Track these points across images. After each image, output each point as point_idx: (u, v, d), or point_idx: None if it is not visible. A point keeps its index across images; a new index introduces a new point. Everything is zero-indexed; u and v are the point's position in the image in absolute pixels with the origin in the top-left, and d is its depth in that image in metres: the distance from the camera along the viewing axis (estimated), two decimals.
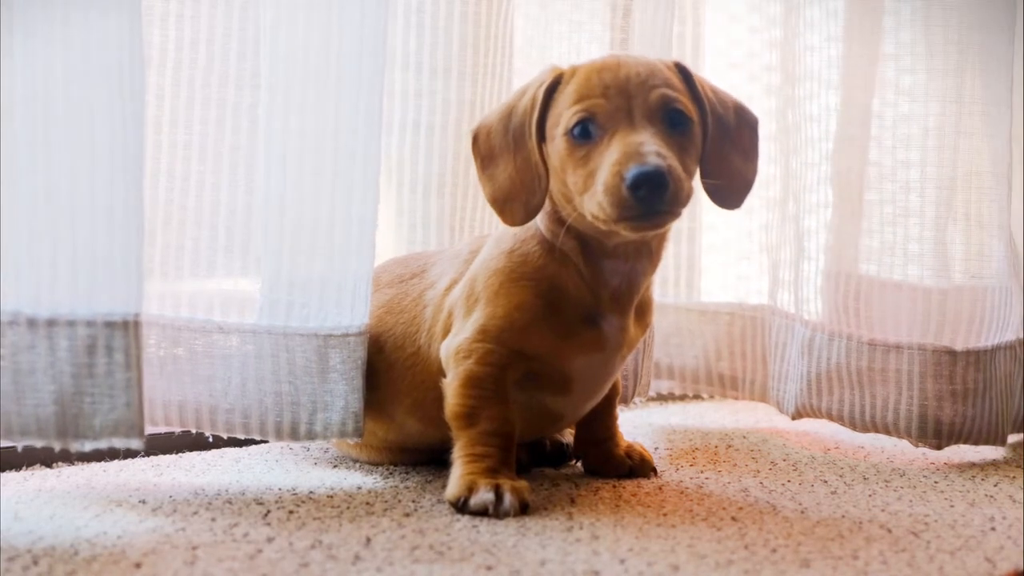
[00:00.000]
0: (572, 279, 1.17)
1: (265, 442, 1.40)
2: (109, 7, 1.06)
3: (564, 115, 1.12)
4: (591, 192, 1.08)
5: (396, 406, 1.26)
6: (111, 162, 1.07)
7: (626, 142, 1.07)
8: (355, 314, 1.23)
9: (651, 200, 1.05)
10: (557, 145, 1.13)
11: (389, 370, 1.26)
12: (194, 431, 1.24)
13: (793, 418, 1.55)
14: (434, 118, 1.47)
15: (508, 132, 1.17)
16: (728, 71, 1.73)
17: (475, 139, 1.20)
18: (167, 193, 1.24)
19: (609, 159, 1.07)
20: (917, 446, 1.46)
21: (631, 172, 1.04)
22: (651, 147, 1.06)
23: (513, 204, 1.16)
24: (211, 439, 1.34)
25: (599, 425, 1.31)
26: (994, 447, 1.50)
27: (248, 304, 1.24)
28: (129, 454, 1.33)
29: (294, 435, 1.22)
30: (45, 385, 1.05)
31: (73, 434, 1.06)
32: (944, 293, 1.48)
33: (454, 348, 1.18)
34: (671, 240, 1.69)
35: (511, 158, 1.16)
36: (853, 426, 1.49)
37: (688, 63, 1.65)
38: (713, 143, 1.17)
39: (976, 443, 1.46)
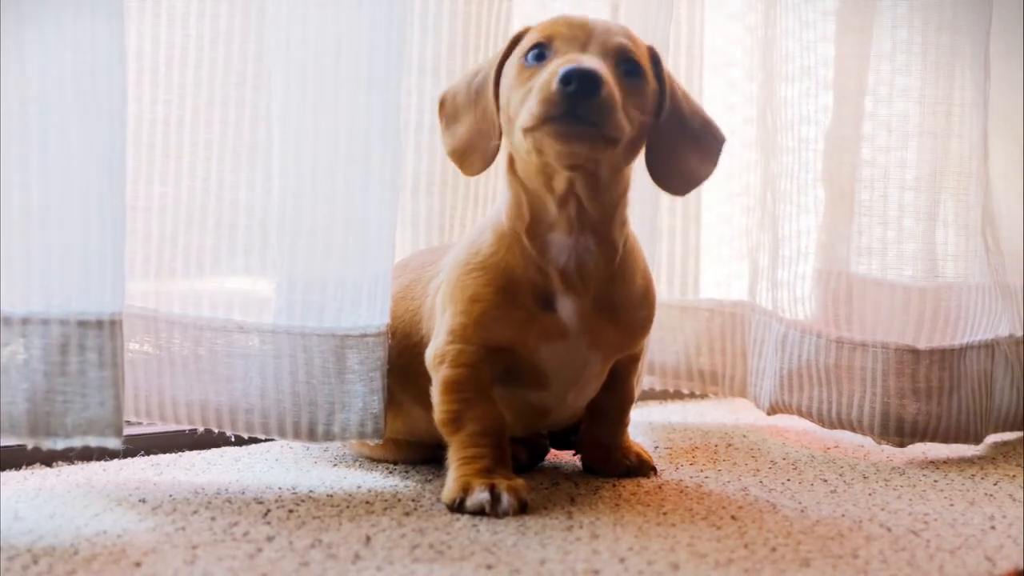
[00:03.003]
0: (519, 260, 1.16)
1: (266, 440, 1.40)
2: (83, 8, 1.04)
3: (521, 48, 1.13)
4: (526, 105, 1.08)
5: (405, 392, 1.26)
6: (86, 162, 1.05)
7: (568, 55, 1.09)
8: (373, 314, 1.22)
9: (578, 98, 1.04)
10: (507, 74, 1.14)
11: (400, 356, 1.25)
12: (216, 430, 1.24)
13: (768, 414, 1.56)
14: (423, 117, 1.46)
15: (471, 89, 1.19)
16: (726, 69, 1.73)
17: (442, 103, 1.22)
18: (189, 193, 1.24)
19: (549, 69, 1.08)
20: (880, 443, 1.47)
21: (564, 68, 1.04)
22: (592, 61, 1.07)
23: (472, 154, 1.18)
24: (233, 437, 1.32)
25: (603, 429, 1.30)
26: (969, 445, 1.50)
27: (267, 304, 1.24)
28: (128, 453, 1.33)
29: (312, 436, 1.22)
30: (18, 383, 1.04)
31: (45, 432, 1.05)
32: (908, 290, 1.48)
33: (432, 355, 1.18)
34: (666, 239, 1.71)
35: (472, 112, 1.18)
36: (821, 422, 1.50)
37: (687, 62, 1.68)
38: (668, 134, 1.17)
39: (944, 442, 1.46)
